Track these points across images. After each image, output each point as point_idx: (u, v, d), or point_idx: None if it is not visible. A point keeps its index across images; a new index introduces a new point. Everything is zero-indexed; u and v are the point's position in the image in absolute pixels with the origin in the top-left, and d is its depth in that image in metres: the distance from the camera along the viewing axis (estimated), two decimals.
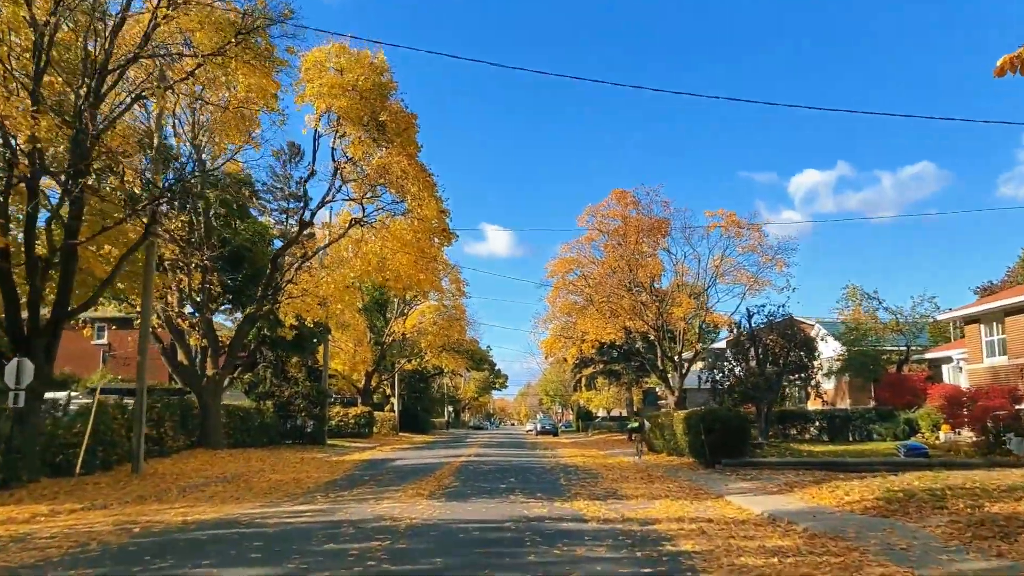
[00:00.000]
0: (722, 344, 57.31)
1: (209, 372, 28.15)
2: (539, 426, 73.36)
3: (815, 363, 30.25)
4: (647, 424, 45.84)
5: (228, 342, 31.73)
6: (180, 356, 28.23)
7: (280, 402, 38.65)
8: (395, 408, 64.78)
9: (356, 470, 23.73)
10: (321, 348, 42.75)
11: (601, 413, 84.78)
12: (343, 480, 20.10)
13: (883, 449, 25.31)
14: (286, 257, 29.97)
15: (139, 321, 30.67)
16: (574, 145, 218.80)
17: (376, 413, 62.30)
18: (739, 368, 29.90)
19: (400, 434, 63.58)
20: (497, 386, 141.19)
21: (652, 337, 43.05)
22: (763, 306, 30.84)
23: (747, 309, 30.78)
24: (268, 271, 28.05)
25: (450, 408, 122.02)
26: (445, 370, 68.05)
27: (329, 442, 42.21)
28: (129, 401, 24.24)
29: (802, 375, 30.02)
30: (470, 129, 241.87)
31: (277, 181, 45.69)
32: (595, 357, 58.18)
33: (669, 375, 42.68)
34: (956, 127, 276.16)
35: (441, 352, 60.13)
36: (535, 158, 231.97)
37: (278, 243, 35.83)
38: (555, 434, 67.80)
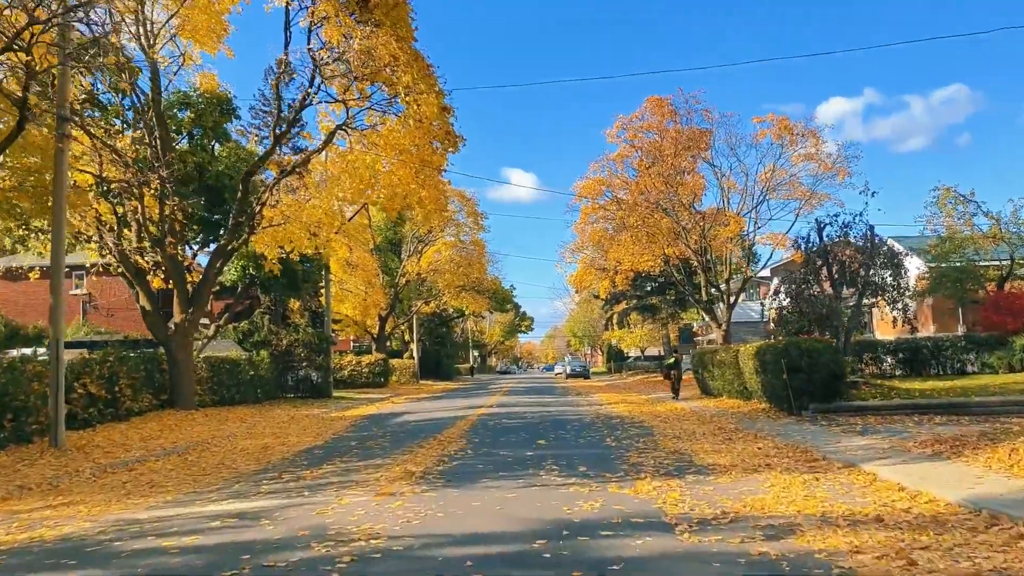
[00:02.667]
0: (766, 273, 51.98)
1: (177, 319, 23.57)
2: (568, 368, 68.19)
3: (902, 282, 25.03)
4: (686, 360, 41.17)
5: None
6: (142, 301, 23.64)
7: (278, 351, 34.23)
8: (414, 354, 60.46)
9: (349, 431, 19.21)
10: (323, 290, 38.19)
11: (633, 353, 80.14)
12: (323, 448, 15.53)
13: (1001, 383, 20.30)
14: (264, 177, 25.12)
15: (93, 262, 26.20)
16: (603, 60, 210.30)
17: (394, 361, 58.19)
18: (810, 291, 24.76)
19: (421, 382, 59.46)
20: (523, 329, 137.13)
21: (694, 264, 37.90)
22: (836, 215, 25.13)
23: (817, 220, 25.49)
24: (240, 194, 23.19)
25: (475, 353, 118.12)
26: (466, 312, 63.45)
27: (338, 394, 37.97)
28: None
29: (887, 296, 24.83)
30: (492, 49, 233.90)
31: (266, 104, 40.60)
32: (628, 291, 53.32)
33: (715, 306, 37.60)
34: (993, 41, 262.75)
35: (460, 293, 55.40)
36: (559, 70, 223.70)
37: (271, 175, 30.95)
38: (586, 376, 63.11)
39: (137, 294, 24.08)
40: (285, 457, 14.09)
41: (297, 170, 23.40)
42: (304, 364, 34.93)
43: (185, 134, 30.22)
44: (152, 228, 23.15)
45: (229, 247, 23.74)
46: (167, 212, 23.14)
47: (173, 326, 23.61)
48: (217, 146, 31.62)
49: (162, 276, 23.74)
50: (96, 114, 22.92)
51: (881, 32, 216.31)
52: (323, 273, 36.33)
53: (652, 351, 70.58)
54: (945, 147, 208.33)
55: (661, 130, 37.94)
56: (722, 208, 37.27)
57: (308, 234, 24.62)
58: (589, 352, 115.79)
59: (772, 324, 42.21)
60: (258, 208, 23.34)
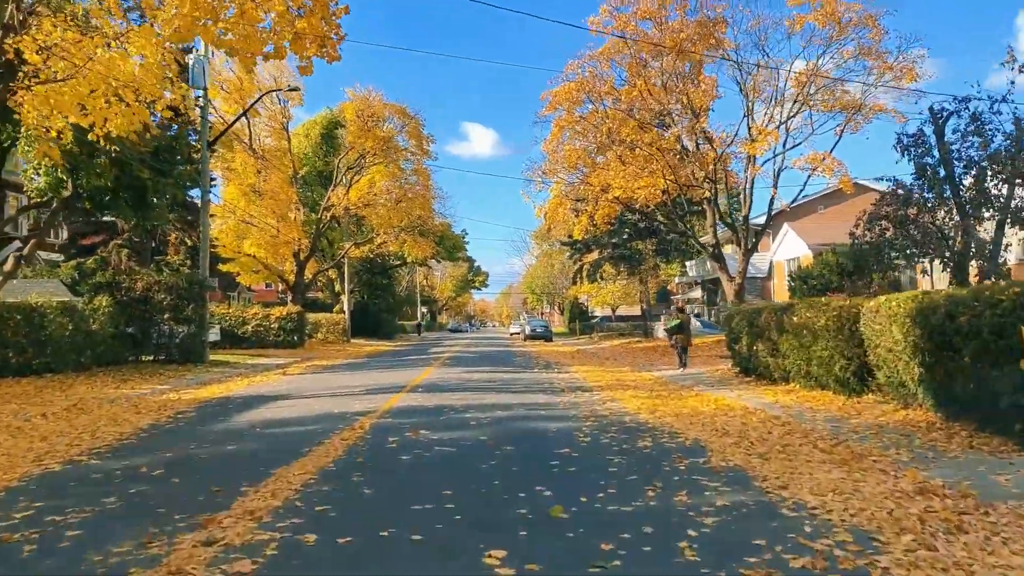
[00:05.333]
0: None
1: None
2: (528, 328, 57.73)
3: None
4: (694, 322, 32.10)
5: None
6: None
7: (129, 298, 24.31)
8: (344, 308, 50.59)
9: (112, 449, 9.64)
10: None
11: (600, 312, 71.21)
12: None
13: None
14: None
15: None
16: None
17: (320, 315, 48.52)
18: (925, 214, 15.70)
19: (353, 340, 49.84)
20: (477, 284, 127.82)
21: (701, 195, 28.64)
22: (965, 100, 15.81)
23: (932, 110, 16.35)
24: None
25: (424, 309, 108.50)
26: (408, 258, 53.60)
27: (221, 357, 28.38)
28: None
29: None
30: None
31: None
32: (603, 238, 44.08)
33: (734, 252, 28.56)
34: None
35: (401, 234, 45.49)
36: None
37: None
38: (548, 339, 53.55)
39: None
40: None
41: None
42: (168, 317, 25.04)
43: None
44: None
45: None
46: None
47: None
48: None
49: None
50: None
51: None
52: (201, 192, 26.24)
53: (624, 311, 61.65)
54: None
55: (660, 20, 28.51)
56: (746, 121, 27.98)
57: (115, 98, 14.71)
58: (548, 311, 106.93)
59: (792, 281, 33.39)
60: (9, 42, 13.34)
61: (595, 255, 49.10)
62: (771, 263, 43.94)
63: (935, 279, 27.20)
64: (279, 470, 7.71)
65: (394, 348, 43.58)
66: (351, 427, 10.67)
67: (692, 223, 42.68)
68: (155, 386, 18.25)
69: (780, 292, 40.01)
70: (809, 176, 27.34)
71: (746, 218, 28.38)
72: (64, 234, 36.24)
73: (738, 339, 17.03)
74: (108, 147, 19.20)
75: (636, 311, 62.53)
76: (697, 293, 54.54)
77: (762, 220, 30.98)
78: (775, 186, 27.14)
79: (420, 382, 18.67)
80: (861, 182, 46.60)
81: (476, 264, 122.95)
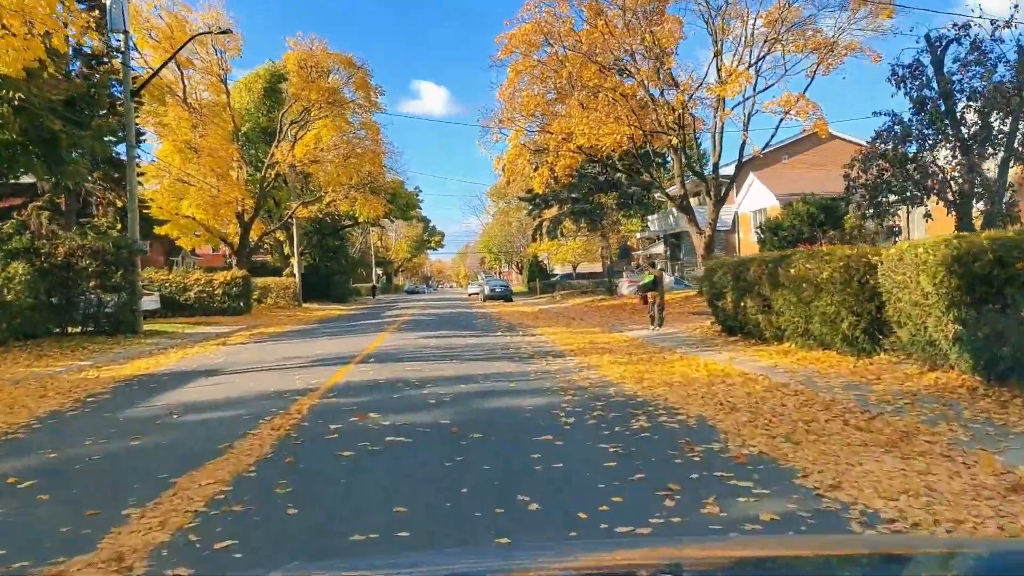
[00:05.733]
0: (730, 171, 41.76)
1: None
2: (487, 288, 55.46)
3: None
4: (667, 278, 30.66)
5: None
6: None
7: (50, 264, 22.06)
8: (295, 271, 48.28)
9: None
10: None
11: (560, 270, 69.78)
12: None
13: None
14: None
15: None
16: None
17: (270, 280, 46.34)
18: (923, 152, 14.23)
19: (305, 305, 47.73)
20: (432, 245, 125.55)
21: (674, 141, 26.97)
22: (964, 27, 14.28)
23: (929, 37, 14.82)
24: None
25: (379, 271, 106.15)
26: (360, 218, 51.22)
27: (156, 326, 26.27)
28: None
29: None
30: None
31: None
32: (562, 192, 42.39)
33: (703, 204, 27.10)
34: None
35: (351, 192, 43.15)
36: None
37: None
38: (508, 299, 51.75)
39: None
40: None
41: None
42: (94, 284, 22.83)
43: None
44: None
45: None
46: None
47: None
48: None
49: None
50: None
51: None
52: (127, 147, 23.86)
53: (585, 268, 60.18)
54: None
55: None
56: (714, 64, 26.32)
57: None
58: (506, 270, 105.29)
59: (761, 233, 32.09)
60: None
61: (555, 211, 47.37)
62: (736, 215, 42.64)
63: (911, 229, 26.07)
64: (182, 479, 5.96)
65: (347, 312, 41.61)
66: (286, 411, 8.91)
67: (657, 175, 41.19)
68: (75, 362, 16.29)
69: (747, 246, 38.80)
70: (781, 120, 25.88)
71: (716, 165, 26.86)
72: None
73: (721, 295, 15.54)
74: (10, 94, 16.97)
75: (597, 268, 61.16)
76: (659, 248, 53.18)
77: (731, 170, 29.51)
78: (745, 129, 25.62)
79: (372, 351, 16.91)
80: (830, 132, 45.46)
81: (431, 224, 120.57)
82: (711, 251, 27.51)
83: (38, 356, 17.20)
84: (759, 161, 36.65)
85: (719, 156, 26.76)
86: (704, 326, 18.16)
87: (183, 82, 35.80)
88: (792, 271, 11.92)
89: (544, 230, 53.36)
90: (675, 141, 26.33)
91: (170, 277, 34.67)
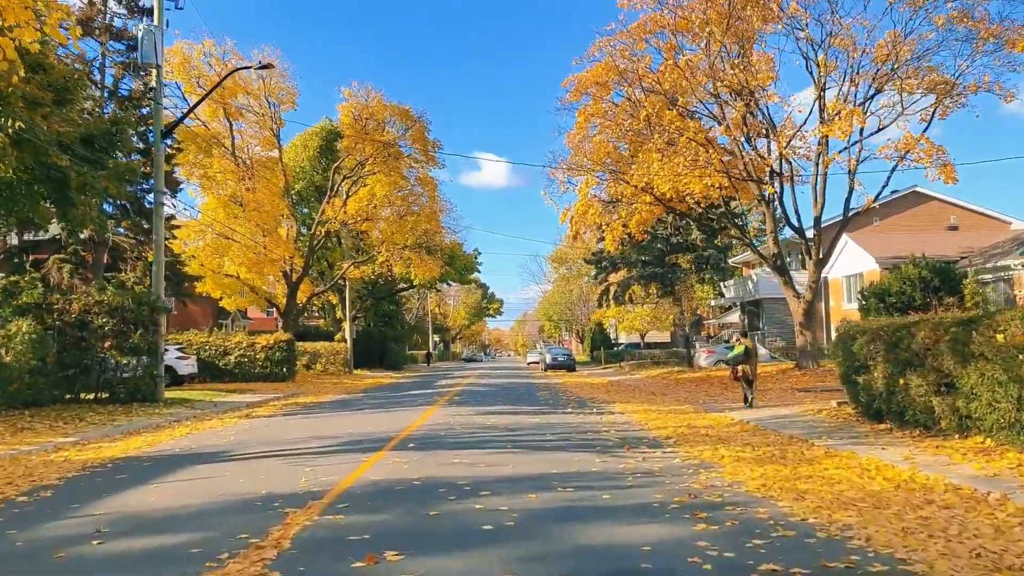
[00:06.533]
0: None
1: None
2: (548, 357, 51.39)
3: None
4: (762, 351, 26.95)
5: None
6: None
7: (63, 322, 19.66)
8: (346, 336, 45.64)
9: None
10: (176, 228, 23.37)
11: (625, 339, 65.96)
12: None
13: None
14: None
15: None
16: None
17: (320, 344, 43.77)
18: None
19: (356, 371, 45.02)
20: (491, 312, 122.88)
21: (762, 192, 23.58)
22: None
23: None
24: None
25: (436, 338, 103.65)
26: (415, 280, 48.48)
27: (183, 394, 23.59)
28: None
29: None
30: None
31: None
32: (631, 254, 39.14)
33: (807, 263, 23.70)
34: None
35: (405, 252, 40.53)
36: None
37: None
38: (571, 369, 48.05)
39: None
40: None
41: None
42: (108, 345, 20.29)
43: None
44: None
45: None
46: None
47: None
48: None
49: None
50: None
51: None
52: (154, 191, 21.50)
53: (653, 338, 56.28)
54: None
55: None
56: (818, 102, 23.06)
57: None
58: (566, 338, 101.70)
59: (864, 299, 28.35)
60: None
61: (623, 274, 44.01)
62: (823, 279, 38.72)
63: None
64: None
65: (397, 380, 38.59)
66: (260, 541, 5.70)
67: (731, 236, 37.68)
68: (58, 438, 13.50)
69: (838, 313, 34.79)
70: (894, 167, 22.28)
71: (818, 219, 23.35)
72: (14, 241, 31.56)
73: (863, 368, 11.98)
74: (6, 122, 14.65)
75: (666, 337, 57.24)
76: (734, 317, 49.24)
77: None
78: (851, 173, 22.07)
79: (414, 430, 13.67)
80: (921, 190, 41.40)
81: (490, 291, 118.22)
82: (810, 319, 23.83)
83: (20, 428, 14.47)
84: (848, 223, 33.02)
85: (821, 208, 23.24)
86: (827, 408, 14.52)
87: (232, 133, 33.97)
88: (998, 337, 8.39)
89: (611, 295, 49.81)
90: (770, 191, 22.97)
91: (210, 340, 32.27)
